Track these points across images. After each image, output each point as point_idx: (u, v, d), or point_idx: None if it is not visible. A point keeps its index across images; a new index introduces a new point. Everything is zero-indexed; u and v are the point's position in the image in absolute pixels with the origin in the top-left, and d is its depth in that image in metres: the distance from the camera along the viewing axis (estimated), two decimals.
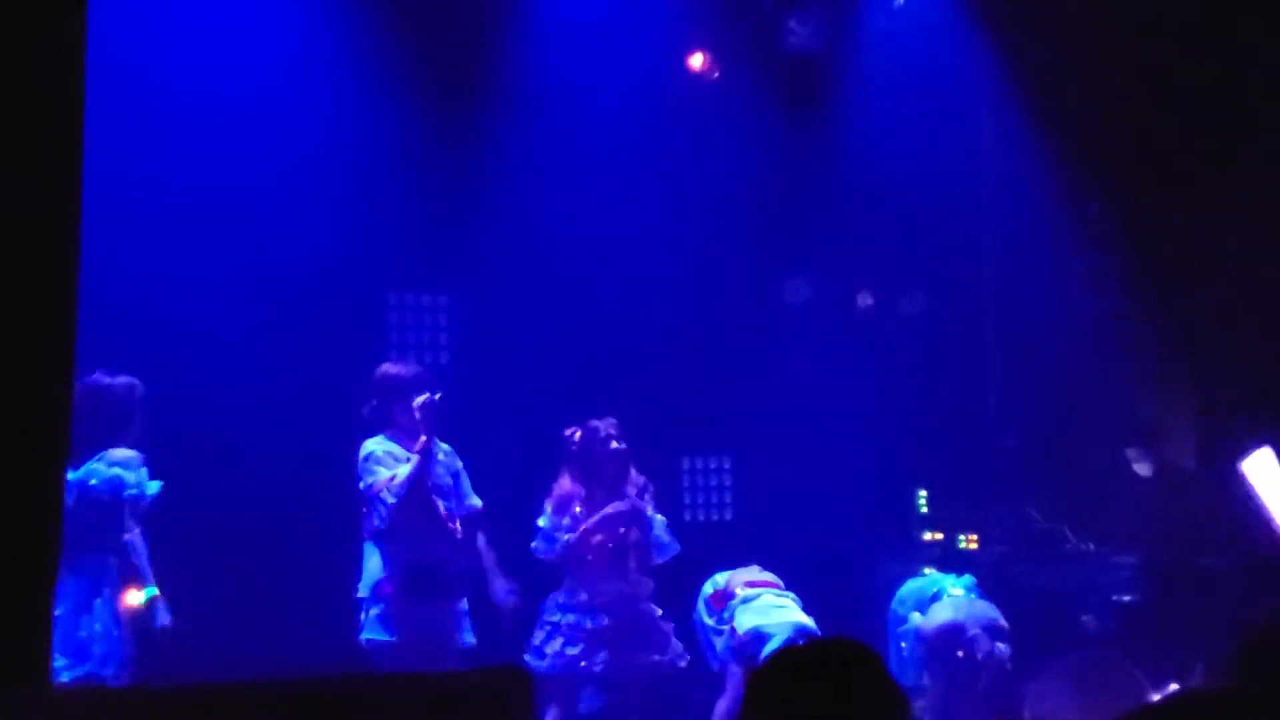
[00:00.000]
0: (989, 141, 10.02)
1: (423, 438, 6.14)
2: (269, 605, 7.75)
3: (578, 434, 6.70)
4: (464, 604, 6.38)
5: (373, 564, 6.18)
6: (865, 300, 9.54)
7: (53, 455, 4.75)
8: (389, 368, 6.65)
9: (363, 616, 6.16)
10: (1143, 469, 8.76)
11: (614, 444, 6.67)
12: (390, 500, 6.06)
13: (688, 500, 9.53)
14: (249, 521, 7.93)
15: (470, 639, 6.30)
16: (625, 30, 8.94)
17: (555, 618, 6.46)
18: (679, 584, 7.68)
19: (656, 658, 6.59)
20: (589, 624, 6.41)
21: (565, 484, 6.71)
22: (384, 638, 6.07)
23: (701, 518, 9.50)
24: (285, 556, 7.91)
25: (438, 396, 6.26)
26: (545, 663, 6.39)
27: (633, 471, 6.77)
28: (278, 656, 6.35)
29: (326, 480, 7.58)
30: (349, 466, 6.49)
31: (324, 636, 6.74)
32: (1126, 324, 9.26)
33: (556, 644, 6.38)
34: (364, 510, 6.21)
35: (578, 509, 6.61)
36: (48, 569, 4.68)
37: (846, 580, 9.30)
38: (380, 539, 6.18)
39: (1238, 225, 8.71)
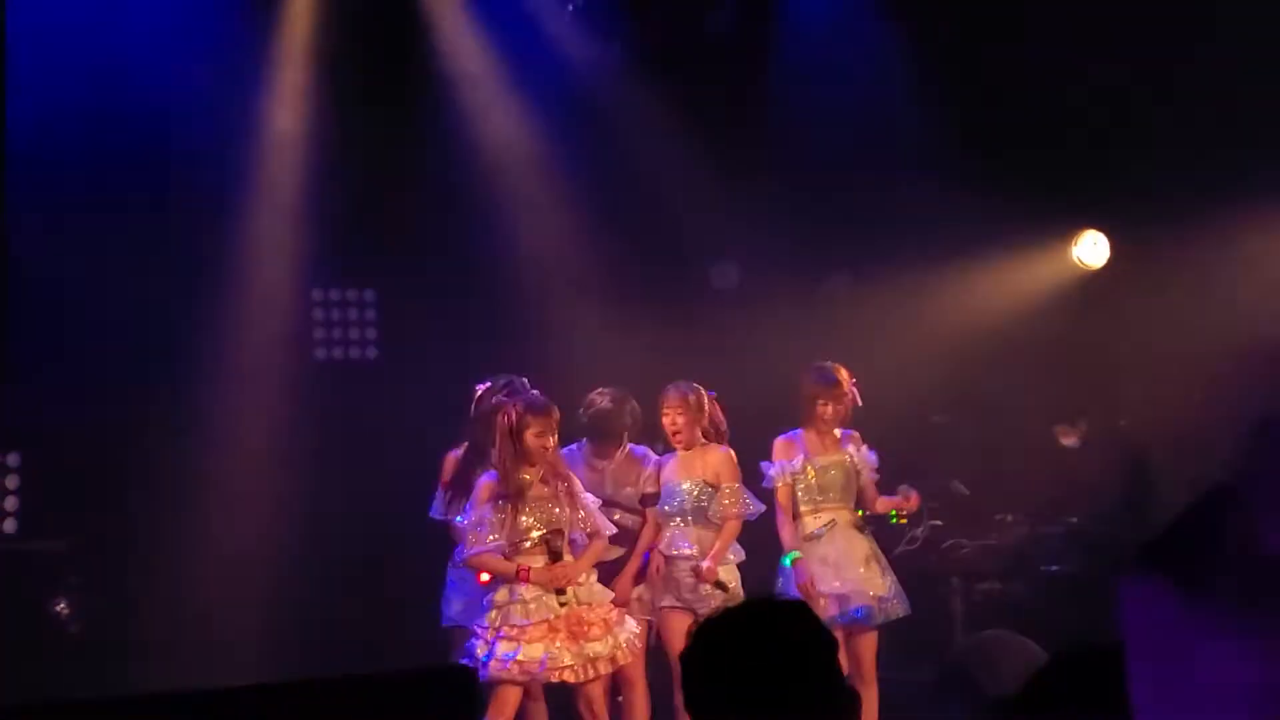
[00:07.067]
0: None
1: None
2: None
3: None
4: None
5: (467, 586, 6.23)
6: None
7: None
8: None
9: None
10: (1070, 441, 8.87)
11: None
12: None
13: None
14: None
15: None
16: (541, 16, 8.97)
17: (496, 616, 6.17)
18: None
19: (599, 647, 6.36)
20: (534, 619, 6.15)
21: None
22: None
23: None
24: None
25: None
26: (495, 664, 6.13)
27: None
28: None
29: (259, 480, 7.56)
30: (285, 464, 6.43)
31: None
32: None
33: (502, 644, 6.10)
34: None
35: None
36: None
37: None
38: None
39: None
